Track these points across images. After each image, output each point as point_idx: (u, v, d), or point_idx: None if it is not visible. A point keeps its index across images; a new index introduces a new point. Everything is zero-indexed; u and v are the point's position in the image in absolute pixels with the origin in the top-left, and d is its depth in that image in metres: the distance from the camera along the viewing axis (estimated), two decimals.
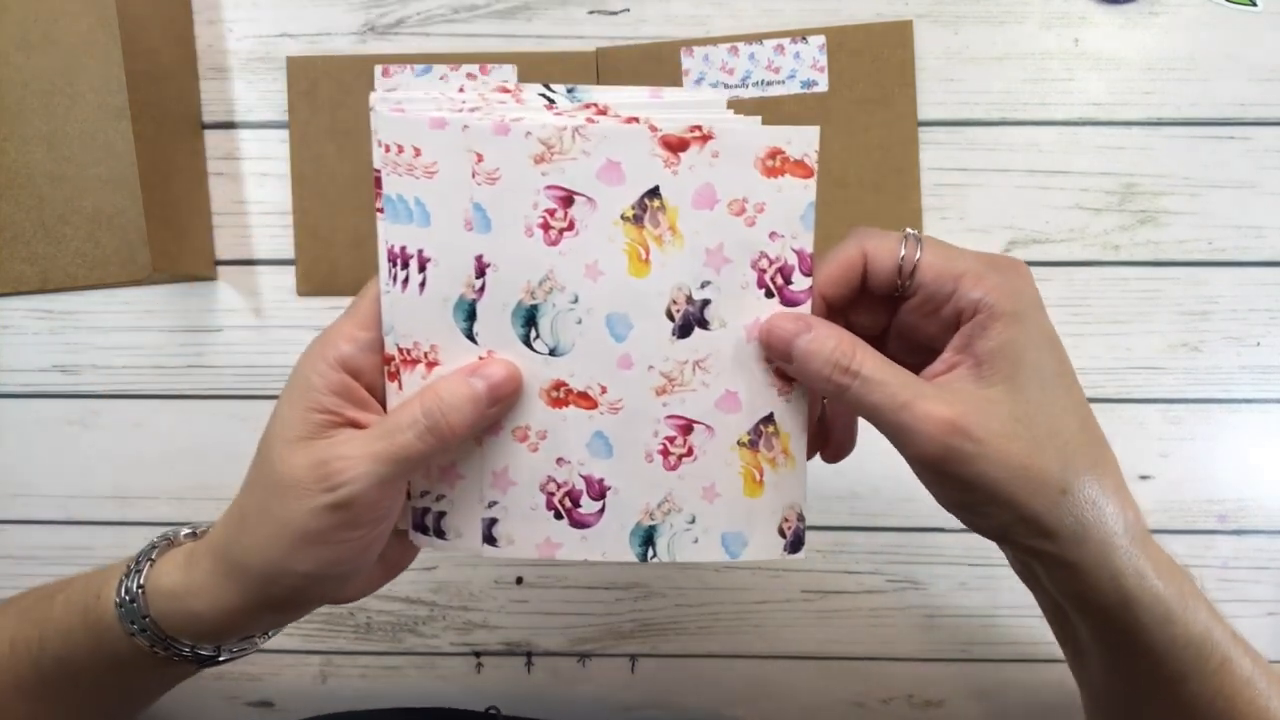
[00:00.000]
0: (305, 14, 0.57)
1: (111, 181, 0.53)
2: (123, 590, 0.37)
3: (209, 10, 0.57)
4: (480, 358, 0.35)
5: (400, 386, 0.36)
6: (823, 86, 0.55)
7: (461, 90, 0.35)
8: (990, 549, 0.37)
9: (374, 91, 0.36)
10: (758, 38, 0.55)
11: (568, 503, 0.37)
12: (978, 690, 0.58)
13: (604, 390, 0.36)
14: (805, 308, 0.36)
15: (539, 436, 0.36)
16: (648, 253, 0.35)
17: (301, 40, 0.57)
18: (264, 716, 0.59)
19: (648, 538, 0.37)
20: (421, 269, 0.35)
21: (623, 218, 0.35)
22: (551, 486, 0.36)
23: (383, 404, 0.36)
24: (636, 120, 0.34)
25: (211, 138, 0.58)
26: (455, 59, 0.56)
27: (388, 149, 0.35)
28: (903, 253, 0.34)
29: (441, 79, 0.36)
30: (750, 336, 0.36)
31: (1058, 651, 0.40)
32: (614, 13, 0.56)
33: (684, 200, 0.35)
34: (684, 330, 0.36)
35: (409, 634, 0.59)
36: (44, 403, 0.58)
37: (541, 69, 0.56)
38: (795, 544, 0.38)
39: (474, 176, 0.34)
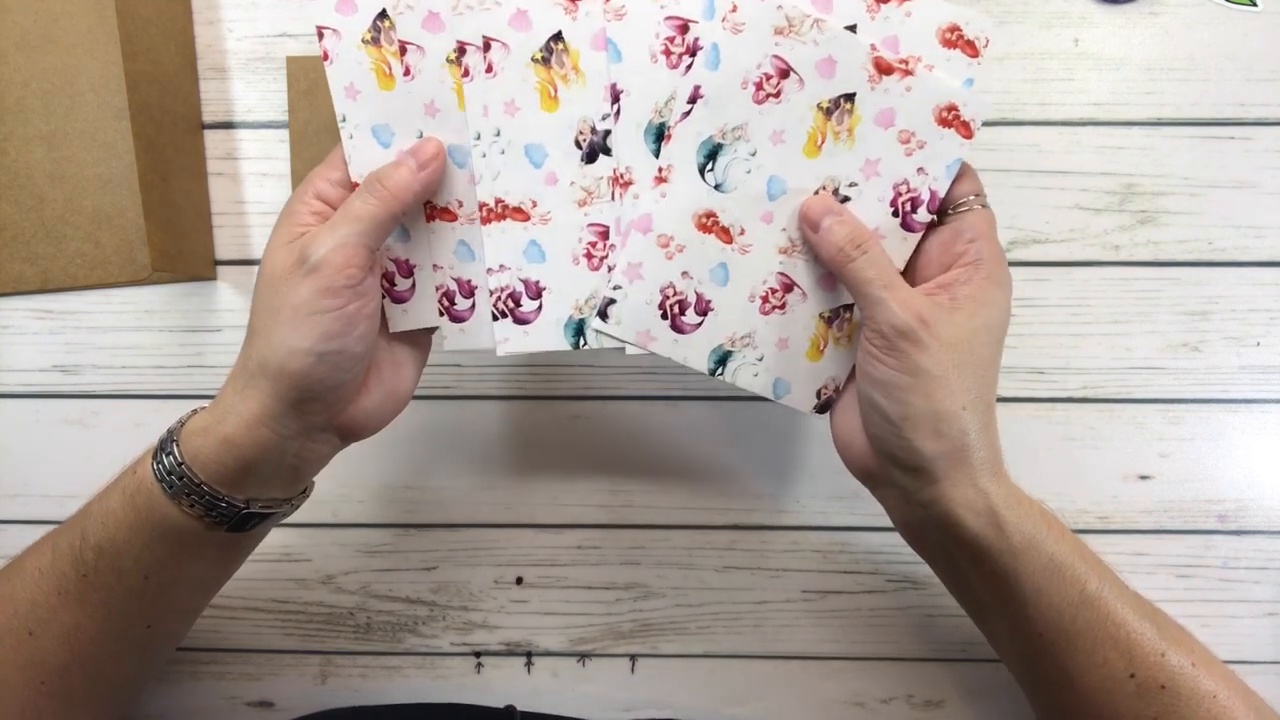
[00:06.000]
0: (305, 14, 0.57)
1: (111, 181, 0.53)
2: (159, 453, 0.41)
3: (209, 10, 0.57)
4: (661, 170, 0.42)
5: None
6: None
7: None
8: None
9: None
10: None
11: (676, 309, 0.43)
12: (978, 690, 0.58)
13: (743, 233, 0.42)
14: (916, 236, 0.42)
15: (677, 249, 0.42)
16: (823, 141, 0.41)
17: (301, 40, 0.57)
18: (264, 716, 0.59)
19: (722, 359, 0.44)
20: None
21: (819, 106, 0.41)
22: (670, 291, 0.43)
23: None
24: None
25: (211, 138, 0.58)
26: None
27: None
28: (968, 198, 0.42)
29: None
30: None
31: None
32: None
33: (869, 113, 0.41)
34: None
35: (409, 634, 0.59)
36: (44, 403, 0.58)
37: None
38: (823, 407, 0.46)
39: (723, 21, 0.40)
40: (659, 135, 0.41)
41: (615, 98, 0.41)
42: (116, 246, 0.54)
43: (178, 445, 0.40)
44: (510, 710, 0.53)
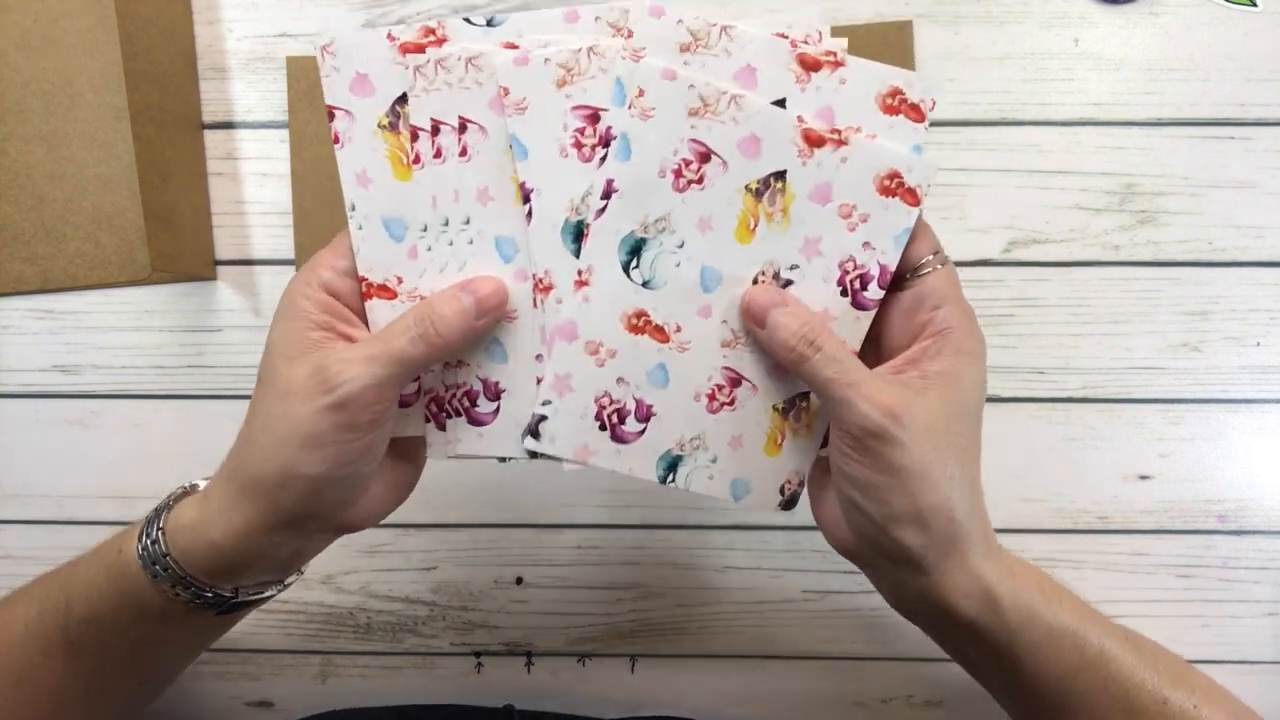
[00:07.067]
0: (305, 14, 0.57)
1: (111, 181, 0.53)
2: (144, 537, 0.38)
3: (209, 10, 0.57)
4: (580, 273, 0.38)
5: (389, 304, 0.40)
6: None
7: (390, 38, 0.38)
8: None
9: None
10: None
11: (615, 419, 0.40)
12: (978, 690, 0.58)
13: (679, 329, 0.39)
14: (870, 314, 0.39)
15: (608, 354, 0.39)
16: (756, 224, 0.38)
17: (301, 40, 0.57)
18: (264, 716, 0.59)
19: (672, 465, 0.41)
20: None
21: (747, 188, 0.38)
22: (605, 400, 0.39)
23: (364, 320, 0.40)
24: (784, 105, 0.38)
25: (211, 138, 0.58)
26: None
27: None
28: (927, 259, 0.38)
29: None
30: None
31: None
32: None
33: (803, 190, 0.38)
34: None
35: (409, 634, 0.59)
36: (44, 403, 0.58)
37: None
38: (789, 503, 0.42)
39: (630, 108, 0.37)
40: (578, 234, 0.38)
41: (526, 197, 0.38)
42: (116, 246, 0.54)
43: (164, 535, 0.38)
44: (509, 710, 0.53)
